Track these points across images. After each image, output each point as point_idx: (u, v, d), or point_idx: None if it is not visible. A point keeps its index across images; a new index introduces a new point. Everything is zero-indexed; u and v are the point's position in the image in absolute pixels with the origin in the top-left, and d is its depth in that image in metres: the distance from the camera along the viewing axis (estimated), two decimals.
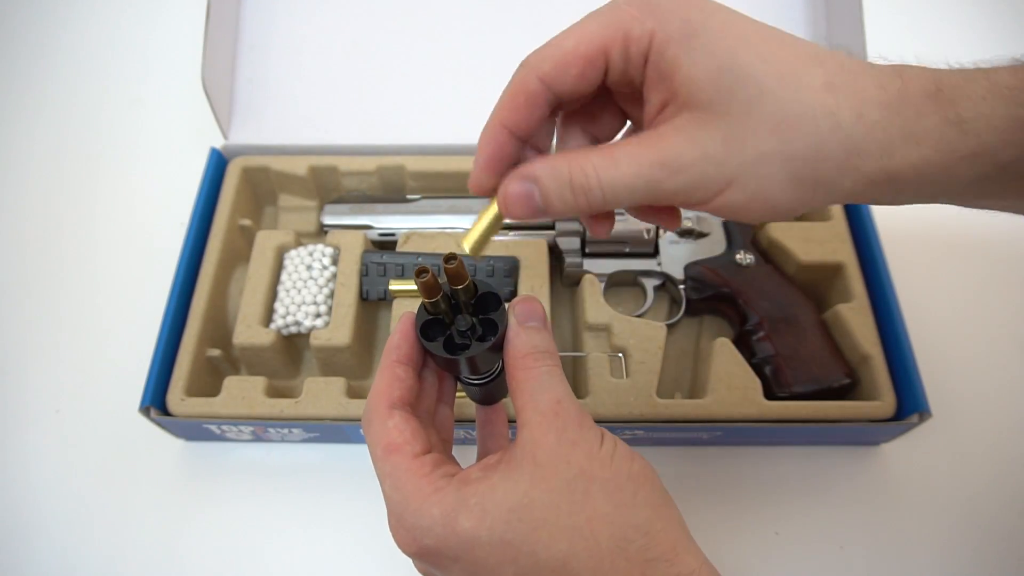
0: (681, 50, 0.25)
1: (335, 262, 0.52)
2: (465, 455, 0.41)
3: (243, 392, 0.47)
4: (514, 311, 0.31)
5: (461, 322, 0.30)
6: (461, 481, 0.28)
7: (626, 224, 0.52)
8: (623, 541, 0.26)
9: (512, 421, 0.45)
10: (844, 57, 0.25)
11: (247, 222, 0.55)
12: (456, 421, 0.36)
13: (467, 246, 0.31)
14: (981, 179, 0.26)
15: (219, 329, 0.52)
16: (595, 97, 0.29)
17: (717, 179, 0.26)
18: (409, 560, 0.30)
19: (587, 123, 0.31)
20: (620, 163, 0.26)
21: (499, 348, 0.31)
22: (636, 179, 0.26)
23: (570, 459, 0.27)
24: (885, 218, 0.53)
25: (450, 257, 0.29)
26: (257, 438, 0.50)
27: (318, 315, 0.49)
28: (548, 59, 0.26)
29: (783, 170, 0.25)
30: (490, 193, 0.30)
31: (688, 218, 0.53)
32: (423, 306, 0.31)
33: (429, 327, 0.31)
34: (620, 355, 0.48)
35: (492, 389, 0.34)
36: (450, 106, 0.59)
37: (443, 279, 0.30)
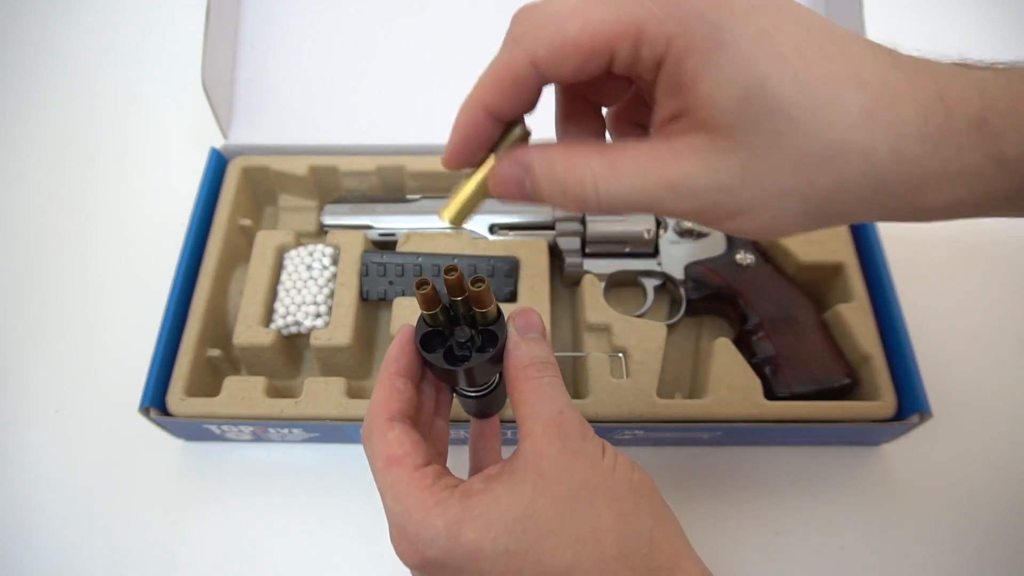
0: (703, 63, 0.22)
1: (335, 262, 0.52)
2: (459, 455, 0.41)
3: (243, 392, 0.47)
4: (514, 322, 0.31)
5: (460, 334, 0.30)
6: (464, 493, 0.28)
7: (626, 224, 0.52)
8: (627, 550, 0.26)
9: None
10: (890, 72, 0.22)
11: (247, 222, 0.55)
12: (450, 421, 0.36)
13: (447, 216, 0.29)
14: (1011, 208, 0.24)
15: (219, 329, 0.52)
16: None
17: (728, 208, 0.24)
18: None
19: (589, 91, 0.28)
20: (623, 176, 0.24)
21: (499, 360, 0.31)
22: (639, 196, 0.24)
23: (573, 469, 0.27)
24: None
25: (451, 269, 0.28)
26: (257, 438, 0.50)
27: (318, 315, 0.49)
28: (544, 42, 0.23)
29: (801, 205, 0.23)
30: (462, 168, 0.28)
31: None
32: (422, 318, 0.31)
33: (428, 339, 0.31)
34: (620, 355, 0.48)
35: (487, 402, 0.34)
36: (450, 106, 0.58)
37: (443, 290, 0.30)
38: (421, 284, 0.28)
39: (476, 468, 0.36)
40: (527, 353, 0.30)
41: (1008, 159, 0.22)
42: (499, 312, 0.31)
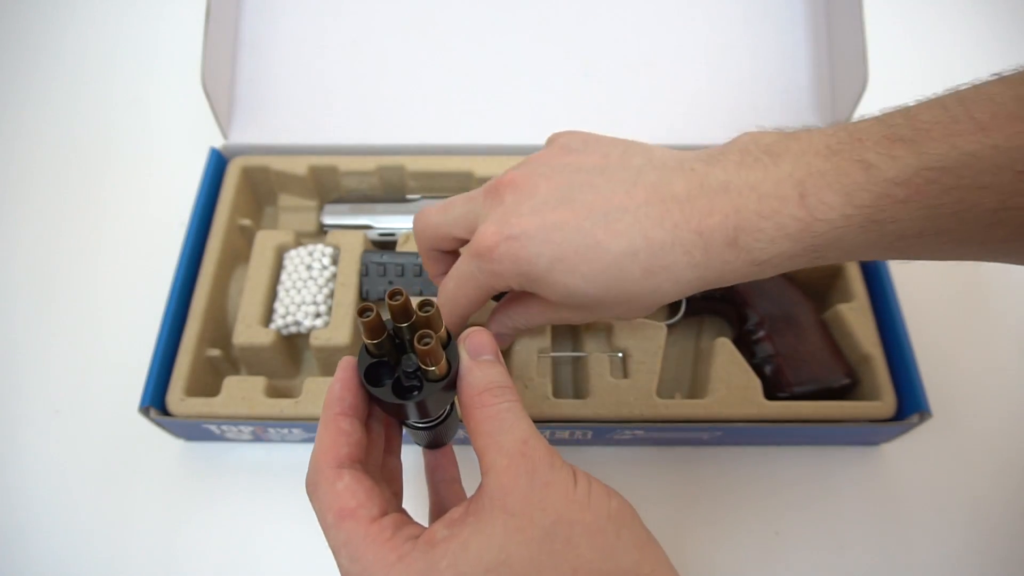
0: (532, 290, 0.33)
1: (335, 262, 0.52)
2: (420, 484, 0.38)
3: (243, 392, 0.47)
4: (464, 345, 0.29)
5: (408, 363, 0.28)
6: (427, 543, 0.25)
7: None
8: None
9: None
10: (656, 230, 0.30)
11: (247, 222, 0.55)
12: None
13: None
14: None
15: (219, 329, 0.52)
16: None
17: (597, 320, 0.36)
18: None
19: None
20: (533, 315, 0.36)
21: (452, 387, 0.29)
22: (546, 321, 0.36)
23: (545, 505, 0.25)
24: None
25: (395, 293, 0.27)
26: (257, 438, 0.50)
27: (318, 315, 0.49)
28: (451, 316, 0.36)
29: (637, 315, 0.34)
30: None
31: None
32: (365, 348, 0.29)
33: (373, 371, 0.29)
34: (620, 355, 0.48)
35: (440, 432, 0.32)
36: (450, 106, 0.59)
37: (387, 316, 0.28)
38: (364, 311, 0.26)
39: (436, 502, 0.34)
40: (481, 378, 0.28)
41: (759, 262, 0.29)
42: (449, 336, 0.29)
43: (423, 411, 0.29)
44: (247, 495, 0.49)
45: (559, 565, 0.24)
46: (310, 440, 0.50)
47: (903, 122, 0.27)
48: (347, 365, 0.29)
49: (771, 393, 0.47)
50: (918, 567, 0.46)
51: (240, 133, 0.58)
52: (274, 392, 0.48)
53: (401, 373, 0.28)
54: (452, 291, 0.35)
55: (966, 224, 0.27)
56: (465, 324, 0.36)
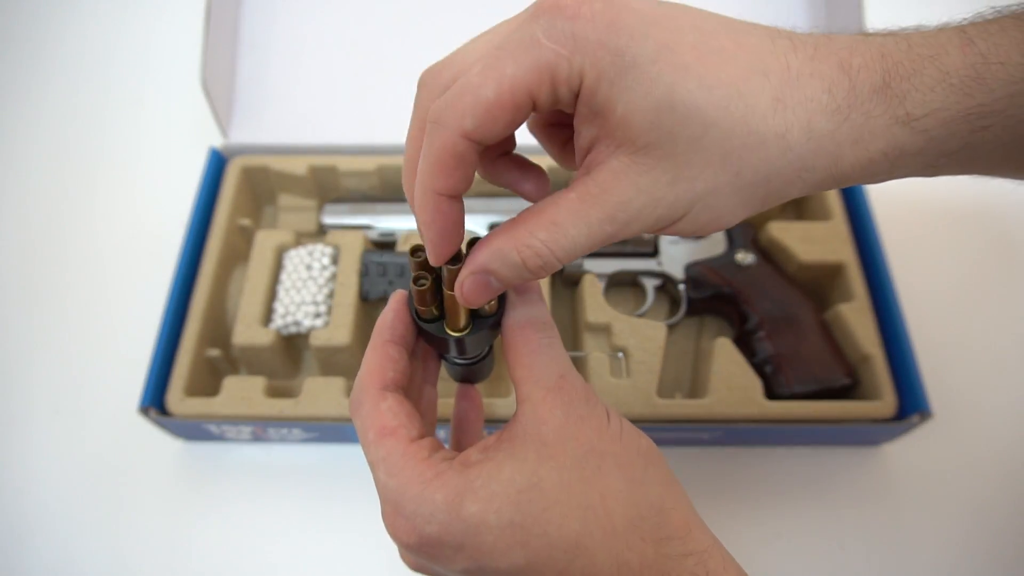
0: (613, 89, 0.22)
1: (335, 262, 0.52)
2: None
3: (243, 392, 0.47)
4: None
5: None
6: (462, 464, 0.26)
7: None
8: (637, 519, 0.26)
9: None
10: (790, 55, 0.24)
11: (247, 222, 0.55)
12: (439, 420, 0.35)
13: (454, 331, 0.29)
14: (926, 168, 0.25)
15: (219, 329, 0.52)
16: None
17: (668, 217, 0.25)
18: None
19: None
20: (568, 229, 0.24)
21: (497, 326, 0.29)
22: (588, 240, 0.24)
23: (579, 436, 0.26)
24: (886, 217, 0.53)
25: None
26: (256, 438, 0.50)
27: (317, 315, 0.49)
28: (468, 114, 0.23)
29: (732, 197, 0.24)
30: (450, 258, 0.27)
31: None
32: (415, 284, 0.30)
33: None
34: (620, 355, 0.48)
35: (476, 370, 0.33)
36: None
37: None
38: (415, 251, 0.27)
39: (457, 448, 0.34)
40: (524, 313, 0.29)
41: (914, 119, 0.23)
42: None
43: (466, 348, 0.30)
44: (247, 495, 0.49)
45: (588, 491, 0.25)
46: (310, 440, 0.50)
47: None
48: (400, 297, 0.30)
49: (771, 393, 0.47)
50: (918, 567, 0.46)
51: (240, 133, 0.58)
52: (274, 392, 0.48)
53: None
54: (471, 78, 0.23)
55: None
56: (458, 178, 0.24)
